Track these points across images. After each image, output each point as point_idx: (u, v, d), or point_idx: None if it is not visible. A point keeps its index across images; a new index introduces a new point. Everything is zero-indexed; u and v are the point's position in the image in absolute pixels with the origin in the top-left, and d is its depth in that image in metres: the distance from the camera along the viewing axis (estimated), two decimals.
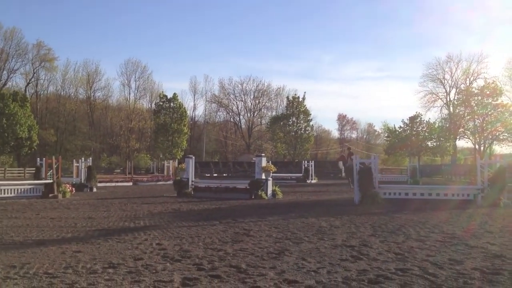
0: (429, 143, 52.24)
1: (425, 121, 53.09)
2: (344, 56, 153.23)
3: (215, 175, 56.87)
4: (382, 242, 8.45)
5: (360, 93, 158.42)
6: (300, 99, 72.17)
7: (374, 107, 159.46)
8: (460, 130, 59.96)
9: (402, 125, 53.03)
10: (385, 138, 60.68)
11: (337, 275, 5.91)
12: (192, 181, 22.57)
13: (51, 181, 20.34)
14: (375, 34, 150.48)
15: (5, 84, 76.77)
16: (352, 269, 6.21)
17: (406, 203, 17.10)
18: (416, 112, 54.41)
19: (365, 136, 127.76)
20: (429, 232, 9.70)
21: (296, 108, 71.74)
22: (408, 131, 52.01)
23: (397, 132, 53.27)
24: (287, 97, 77.42)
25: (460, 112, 61.07)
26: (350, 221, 11.70)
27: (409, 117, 52.72)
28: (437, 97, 76.16)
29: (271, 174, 20.63)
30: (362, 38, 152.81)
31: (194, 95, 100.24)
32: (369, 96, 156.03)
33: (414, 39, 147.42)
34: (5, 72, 76.85)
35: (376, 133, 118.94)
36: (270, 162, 25.84)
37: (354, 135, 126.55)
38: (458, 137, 61.63)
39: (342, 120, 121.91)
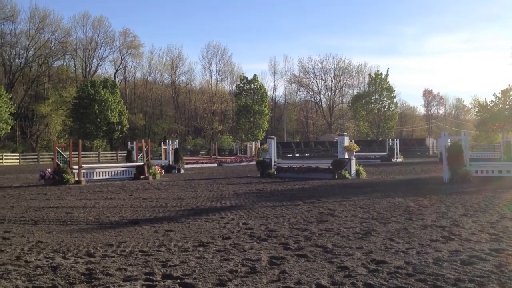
0: None
1: None
2: (426, 29, 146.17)
3: (297, 155, 56.95)
4: (474, 222, 8.09)
5: (447, 67, 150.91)
6: (383, 76, 70.00)
7: (462, 81, 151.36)
8: None
9: (494, 99, 49.96)
10: (475, 114, 57.44)
11: (427, 256, 5.73)
12: (274, 161, 22.75)
13: (142, 163, 21.33)
14: (458, 4, 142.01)
15: (95, 71, 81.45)
16: (444, 250, 6.00)
17: (500, 181, 16.26)
18: (509, 85, 50.95)
19: (453, 112, 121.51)
20: None
21: (378, 85, 69.73)
22: (501, 105, 48.92)
23: (489, 107, 50.25)
24: (369, 74, 75.42)
25: None
26: (440, 201, 11.30)
27: (501, 90, 49.57)
28: None
29: (354, 153, 20.32)
30: (444, 9, 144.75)
31: (274, 76, 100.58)
32: (457, 69, 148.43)
33: (501, 7, 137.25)
34: (95, 60, 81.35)
35: (466, 108, 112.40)
36: (353, 141, 25.43)
37: (441, 111, 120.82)
38: None
39: (428, 95, 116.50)
